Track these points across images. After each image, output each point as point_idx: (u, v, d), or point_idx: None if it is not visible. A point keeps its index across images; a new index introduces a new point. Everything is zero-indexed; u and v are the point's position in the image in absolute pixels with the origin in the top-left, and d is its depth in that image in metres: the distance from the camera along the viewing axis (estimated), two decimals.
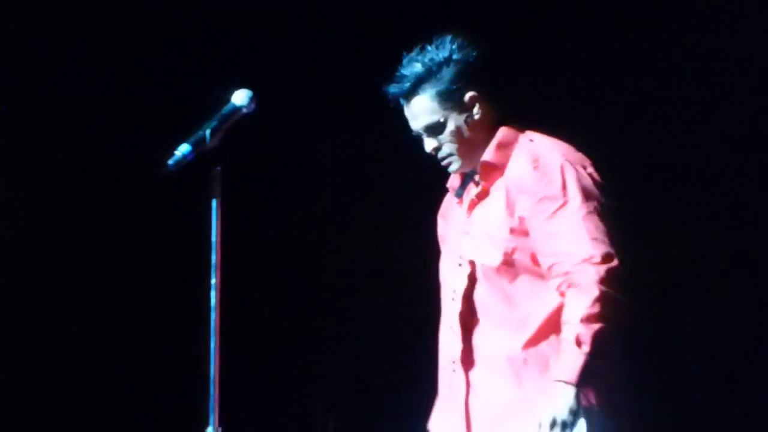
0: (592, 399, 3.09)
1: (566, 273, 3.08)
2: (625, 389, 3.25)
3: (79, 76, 5.40)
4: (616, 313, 3.06)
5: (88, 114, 5.46)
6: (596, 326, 3.02)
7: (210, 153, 3.10)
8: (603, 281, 3.03)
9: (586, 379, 3.05)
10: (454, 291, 3.28)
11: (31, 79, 5.40)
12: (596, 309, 3.02)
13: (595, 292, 3.02)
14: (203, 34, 5.49)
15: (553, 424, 3.03)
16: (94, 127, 5.45)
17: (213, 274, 3.08)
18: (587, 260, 3.06)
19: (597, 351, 3.05)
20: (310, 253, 5.95)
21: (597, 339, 3.04)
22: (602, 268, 3.04)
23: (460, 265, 3.28)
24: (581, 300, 3.04)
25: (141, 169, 4.21)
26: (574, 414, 3.04)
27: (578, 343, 3.02)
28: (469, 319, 3.26)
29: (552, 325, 3.12)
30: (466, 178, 3.37)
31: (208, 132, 3.10)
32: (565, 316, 3.07)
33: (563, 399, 3.03)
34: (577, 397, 3.03)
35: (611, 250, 3.08)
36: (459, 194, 3.39)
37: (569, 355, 3.04)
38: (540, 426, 3.04)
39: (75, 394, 5.72)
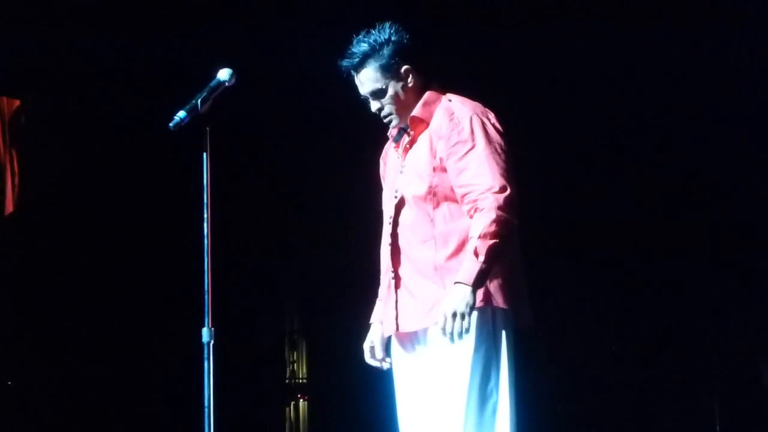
0: (497, 296, 3.60)
1: (474, 200, 3.61)
2: (520, 284, 3.74)
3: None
4: (508, 232, 3.58)
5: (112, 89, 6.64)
6: (491, 242, 3.53)
7: (201, 117, 3.62)
8: (500, 207, 3.56)
9: (480, 282, 3.54)
10: (390, 216, 3.83)
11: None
12: (492, 228, 3.53)
13: (493, 215, 3.55)
14: (198, 24, 6.51)
15: (454, 315, 3.52)
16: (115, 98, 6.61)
17: (205, 209, 3.60)
18: (489, 190, 3.58)
19: (490, 260, 3.54)
20: (281, 192, 7.04)
21: (491, 251, 3.54)
22: (500, 197, 3.57)
23: (395, 196, 3.83)
24: (482, 221, 3.55)
25: (149, 129, 4.98)
26: (471, 308, 3.52)
27: (476, 254, 3.53)
28: (400, 237, 3.79)
29: (467, 242, 3.61)
30: (401, 130, 3.90)
31: (199, 101, 3.62)
32: (470, 233, 3.58)
33: (462, 296, 3.52)
34: (473, 294, 3.52)
35: (507, 183, 3.60)
36: (396, 140, 3.93)
37: (468, 263, 3.55)
38: (444, 316, 3.53)
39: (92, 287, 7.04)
